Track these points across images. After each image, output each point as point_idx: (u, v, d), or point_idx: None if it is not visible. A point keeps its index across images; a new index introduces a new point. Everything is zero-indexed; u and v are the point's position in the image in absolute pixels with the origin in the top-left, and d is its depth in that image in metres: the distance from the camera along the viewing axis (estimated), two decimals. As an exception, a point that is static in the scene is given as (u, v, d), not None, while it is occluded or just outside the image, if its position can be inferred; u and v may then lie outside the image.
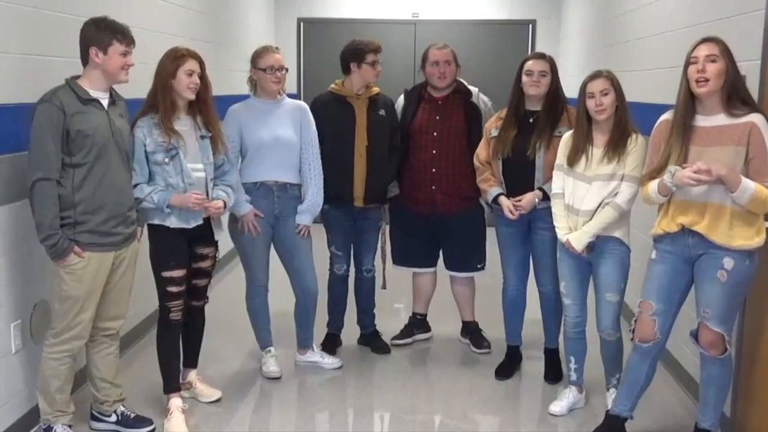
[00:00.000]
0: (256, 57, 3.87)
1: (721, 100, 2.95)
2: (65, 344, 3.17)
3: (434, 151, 4.21)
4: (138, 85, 3.37)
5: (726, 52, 2.91)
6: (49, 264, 3.11)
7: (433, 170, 4.22)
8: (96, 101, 3.12)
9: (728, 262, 2.95)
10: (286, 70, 3.89)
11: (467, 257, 4.39)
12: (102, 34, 3.07)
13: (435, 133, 4.21)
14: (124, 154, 3.22)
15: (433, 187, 4.23)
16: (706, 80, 2.90)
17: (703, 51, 2.92)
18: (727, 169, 2.85)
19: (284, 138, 3.88)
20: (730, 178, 2.85)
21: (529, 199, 3.78)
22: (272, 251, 4.06)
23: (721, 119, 2.95)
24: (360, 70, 4.11)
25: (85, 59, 3.12)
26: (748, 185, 2.85)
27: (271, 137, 3.85)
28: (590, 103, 3.38)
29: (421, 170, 4.24)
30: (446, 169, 4.21)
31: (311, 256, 4.08)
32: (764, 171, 2.87)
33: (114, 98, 3.22)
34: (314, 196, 3.94)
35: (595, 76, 3.41)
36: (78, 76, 3.14)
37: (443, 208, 4.25)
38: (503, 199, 3.84)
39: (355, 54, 4.12)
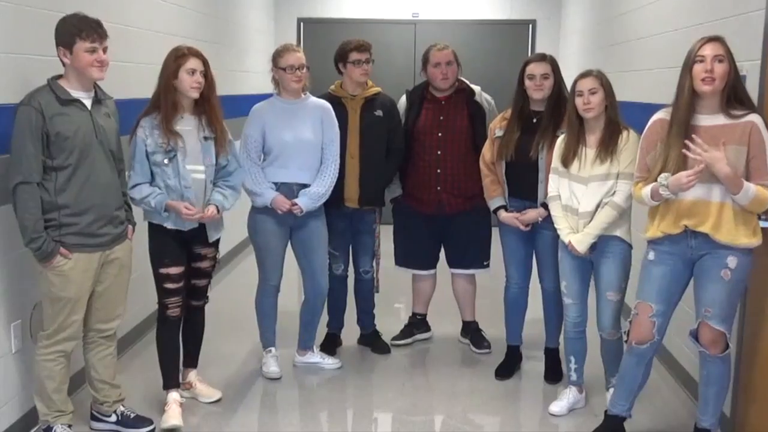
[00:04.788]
0: (277, 56, 3.87)
1: (721, 100, 2.96)
2: (58, 345, 3.16)
3: (439, 152, 4.21)
4: (138, 84, 3.35)
5: (729, 53, 2.93)
6: (38, 266, 3.08)
7: (438, 171, 4.22)
8: (77, 101, 3.05)
9: (732, 261, 2.98)
10: (307, 68, 3.88)
11: (473, 254, 4.38)
12: (65, 33, 2.99)
13: (439, 134, 4.21)
14: (109, 154, 3.16)
15: (439, 188, 4.23)
16: (713, 79, 2.91)
17: (709, 50, 2.92)
18: (731, 169, 2.87)
19: (307, 140, 3.87)
20: (732, 179, 2.87)
21: (532, 216, 3.80)
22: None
23: (721, 119, 2.96)
24: (346, 70, 4.12)
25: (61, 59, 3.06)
26: (749, 186, 2.89)
27: (294, 139, 3.85)
28: (578, 101, 3.40)
29: (426, 171, 4.24)
30: (451, 169, 4.21)
31: (327, 259, 4.09)
32: (764, 170, 2.90)
33: (99, 97, 3.16)
34: (316, 186, 3.90)
35: (585, 74, 3.43)
36: (60, 76, 3.07)
37: (449, 208, 4.26)
38: (505, 215, 3.88)
39: (339, 55, 4.14)
